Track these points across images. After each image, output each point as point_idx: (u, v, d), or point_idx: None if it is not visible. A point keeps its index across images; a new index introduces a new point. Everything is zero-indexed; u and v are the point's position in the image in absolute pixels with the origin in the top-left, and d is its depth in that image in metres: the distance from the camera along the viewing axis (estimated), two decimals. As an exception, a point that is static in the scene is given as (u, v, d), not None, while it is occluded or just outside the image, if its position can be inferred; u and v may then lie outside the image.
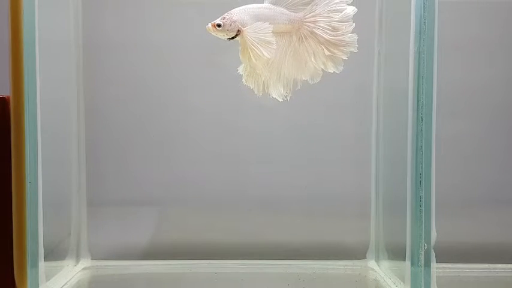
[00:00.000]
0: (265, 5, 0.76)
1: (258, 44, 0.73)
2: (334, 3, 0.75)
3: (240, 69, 0.77)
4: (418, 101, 0.78)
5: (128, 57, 1.02)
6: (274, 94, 0.77)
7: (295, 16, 0.76)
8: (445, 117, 0.81)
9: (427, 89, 0.77)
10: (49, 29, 0.85)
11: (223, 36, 0.75)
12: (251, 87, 0.77)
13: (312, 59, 0.76)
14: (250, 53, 0.74)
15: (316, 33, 0.75)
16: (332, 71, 0.76)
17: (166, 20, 1.02)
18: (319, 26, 0.75)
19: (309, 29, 0.76)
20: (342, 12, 0.74)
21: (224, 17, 0.74)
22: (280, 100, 0.77)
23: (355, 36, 0.75)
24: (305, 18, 0.76)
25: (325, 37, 0.75)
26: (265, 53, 0.73)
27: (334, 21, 0.75)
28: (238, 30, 0.74)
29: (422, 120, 0.78)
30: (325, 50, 0.75)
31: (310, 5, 0.75)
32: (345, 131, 1.04)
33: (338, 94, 1.01)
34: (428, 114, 0.77)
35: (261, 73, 0.76)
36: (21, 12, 0.75)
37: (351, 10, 0.74)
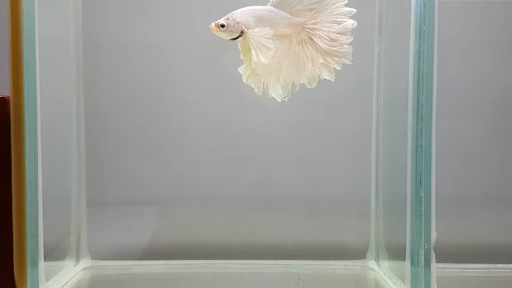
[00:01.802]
0: (268, 7, 0.76)
1: (257, 47, 0.73)
2: (335, 15, 0.76)
3: (241, 69, 0.77)
4: (418, 100, 0.78)
5: (128, 57, 1.02)
6: (273, 94, 0.77)
7: (296, 21, 0.76)
8: (445, 117, 0.81)
9: (427, 89, 0.77)
10: (49, 28, 0.85)
11: (225, 36, 0.75)
12: (251, 86, 0.78)
13: (310, 64, 0.77)
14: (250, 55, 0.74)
15: (314, 41, 0.76)
16: (327, 78, 0.77)
17: (166, 19, 1.02)
18: (318, 34, 0.76)
19: (308, 34, 0.76)
20: (341, 24, 0.75)
21: (228, 18, 0.74)
22: (279, 101, 0.78)
23: (350, 49, 0.76)
24: (305, 24, 0.76)
25: (322, 46, 0.76)
26: (262, 59, 0.73)
27: (333, 32, 0.76)
28: (242, 32, 0.74)
29: (422, 120, 0.78)
30: (320, 57, 0.76)
31: (312, 12, 0.76)
32: (345, 131, 1.04)
33: (338, 94, 1.01)
34: (428, 114, 0.77)
35: (261, 74, 0.76)
36: (21, 12, 0.75)
37: (350, 24, 0.75)
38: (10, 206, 0.77)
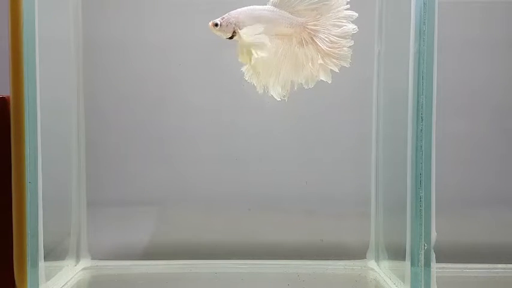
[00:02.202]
0: (268, 7, 0.76)
1: (252, 45, 0.74)
2: (336, 19, 0.76)
3: (244, 69, 0.78)
4: (418, 101, 0.78)
5: (128, 57, 1.02)
6: (273, 93, 0.78)
7: (297, 21, 0.76)
8: (445, 117, 0.81)
9: (427, 89, 0.77)
10: (49, 28, 0.85)
11: (221, 35, 0.75)
12: (253, 85, 0.78)
13: (310, 64, 0.77)
14: (249, 53, 0.74)
15: (315, 41, 0.76)
16: (324, 79, 0.77)
17: (166, 20, 1.02)
18: (319, 35, 0.76)
19: (309, 35, 0.77)
20: (341, 28, 0.75)
21: (223, 17, 0.75)
22: (278, 99, 0.78)
23: (350, 52, 0.76)
24: (307, 24, 0.77)
25: (322, 47, 0.76)
26: (260, 54, 0.73)
27: (333, 35, 0.76)
28: (234, 32, 0.74)
29: (422, 120, 0.78)
30: (320, 58, 0.76)
31: (314, 12, 0.76)
32: (344, 131, 1.04)
33: (338, 94, 1.01)
34: (428, 114, 0.77)
35: (262, 72, 0.76)
36: (21, 12, 0.75)
37: (351, 28, 0.75)
38: (10, 206, 0.77)
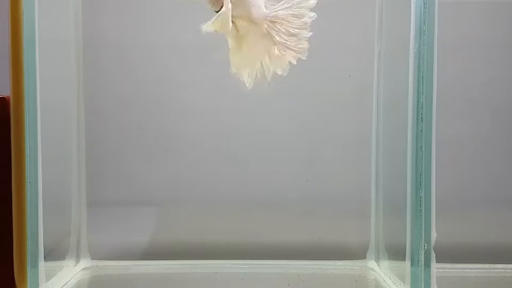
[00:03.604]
0: None
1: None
2: (296, 8, 0.74)
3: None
4: (418, 101, 0.78)
5: (127, 57, 1.02)
6: (242, 77, 0.76)
7: (263, 11, 0.75)
8: (445, 117, 0.81)
9: (427, 89, 0.77)
10: (49, 29, 0.85)
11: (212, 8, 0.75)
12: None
13: (266, 58, 0.75)
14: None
15: (271, 34, 0.75)
16: (280, 72, 0.75)
17: (166, 20, 1.02)
18: (277, 27, 0.75)
19: (268, 27, 0.75)
20: (301, 18, 0.74)
21: None
22: (247, 85, 0.76)
23: (307, 45, 0.74)
24: (267, 17, 0.75)
25: (278, 39, 0.74)
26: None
27: (293, 27, 0.74)
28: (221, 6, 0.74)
29: (422, 120, 0.78)
30: (277, 51, 0.75)
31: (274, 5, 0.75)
32: (345, 131, 1.04)
33: (338, 94, 1.01)
34: (428, 114, 0.77)
35: (234, 54, 0.76)
36: (21, 12, 0.75)
37: (309, 17, 0.74)
38: (10, 206, 0.77)
